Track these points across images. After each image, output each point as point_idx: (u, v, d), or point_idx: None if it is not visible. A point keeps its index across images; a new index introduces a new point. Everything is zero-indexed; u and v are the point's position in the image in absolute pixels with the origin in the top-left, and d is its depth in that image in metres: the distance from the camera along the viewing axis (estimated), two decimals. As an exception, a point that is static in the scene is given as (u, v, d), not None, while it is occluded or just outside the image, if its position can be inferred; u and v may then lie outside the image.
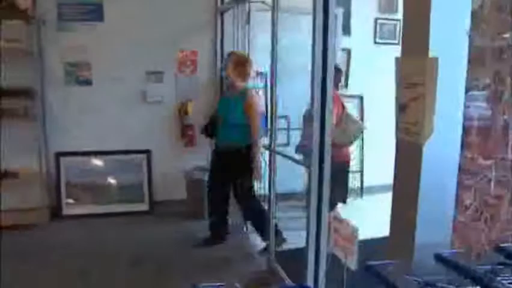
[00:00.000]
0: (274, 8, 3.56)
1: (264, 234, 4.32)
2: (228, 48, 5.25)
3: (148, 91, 5.23)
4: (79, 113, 5.14)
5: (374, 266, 1.87)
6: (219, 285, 1.57)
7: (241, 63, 4.30)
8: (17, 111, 4.94)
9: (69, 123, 5.16)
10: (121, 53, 5.11)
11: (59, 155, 5.22)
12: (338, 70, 4.30)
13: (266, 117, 5.32)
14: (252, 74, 4.45)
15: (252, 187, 4.42)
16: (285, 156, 3.53)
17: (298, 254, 3.37)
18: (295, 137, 4.92)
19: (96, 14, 5.15)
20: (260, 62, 4.86)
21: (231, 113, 4.27)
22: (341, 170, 4.10)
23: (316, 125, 2.84)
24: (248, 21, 4.70)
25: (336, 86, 4.16)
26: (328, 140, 2.84)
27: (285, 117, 5.18)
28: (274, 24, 3.58)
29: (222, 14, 5.38)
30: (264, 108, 5.05)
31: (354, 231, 2.43)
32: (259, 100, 4.51)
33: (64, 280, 3.77)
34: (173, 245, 4.38)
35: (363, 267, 1.95)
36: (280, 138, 4.72)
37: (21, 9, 4.64)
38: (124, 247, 4.39)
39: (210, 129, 4.56)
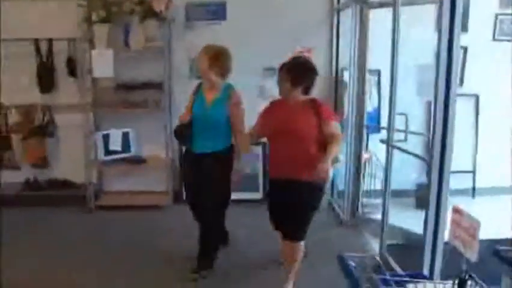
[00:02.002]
0: (396, 3, 3.63)
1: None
2: (344, 46, 5.38)
3: (266, 87, 5.47)
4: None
5: (502, 250, 1.95)
6: (362, 256, 1.76)
7: (218, 57, 3.83)
8: (148, 103, 5.46)
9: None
10: (241, 49, 5.36)
11: (182, 143, 5.65)
12: (313, 72, 3.54)
13: (379, 113, 5.44)
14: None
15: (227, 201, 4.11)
16: (403, 150, 3.60)
17: (411, 248, 3.43)
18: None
19: (219, 13, 5.56)
20: (375, 60, 4.96)
21: (213, 114, 3.84)
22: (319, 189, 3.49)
23: (439, 118, 2.89)
24: (364, 19, 4.79)
25: (305, 91, 3.49)
26: (451, 133, 2.88)
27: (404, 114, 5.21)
28: (395, 19, 3.65)
29: (338, 13, 5.51)
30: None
31: (476, 223, 2.48)
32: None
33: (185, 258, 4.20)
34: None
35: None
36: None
37: (156, 11, 5.12)
38: (239, 230, 4.72)
39: (189, 133, 3.89)
